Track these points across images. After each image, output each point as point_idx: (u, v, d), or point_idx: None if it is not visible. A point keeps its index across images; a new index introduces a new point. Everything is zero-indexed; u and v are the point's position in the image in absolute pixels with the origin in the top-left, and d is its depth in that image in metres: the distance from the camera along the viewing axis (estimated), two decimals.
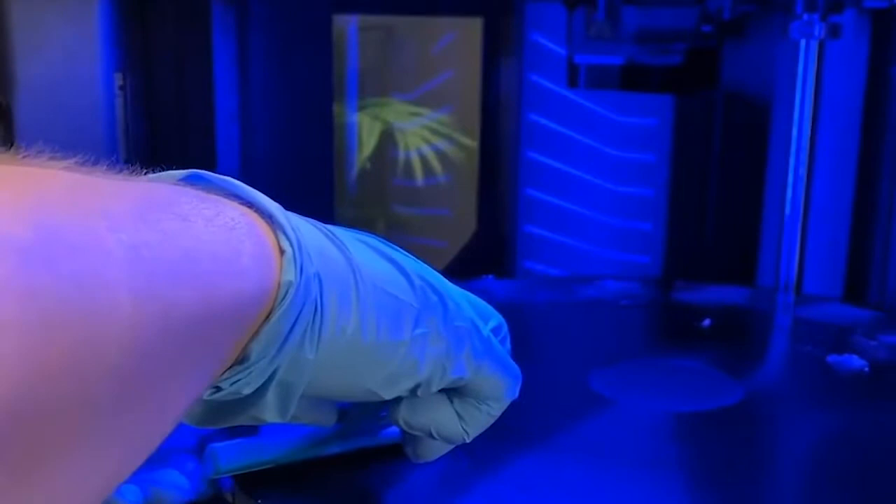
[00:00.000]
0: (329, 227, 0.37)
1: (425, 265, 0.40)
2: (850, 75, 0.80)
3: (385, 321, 0.36)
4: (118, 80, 0.66)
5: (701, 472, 0.49)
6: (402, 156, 1.05)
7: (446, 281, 0.41)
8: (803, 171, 0.80)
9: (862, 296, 0.81)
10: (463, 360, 0.39)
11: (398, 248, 0.40)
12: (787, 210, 0.81)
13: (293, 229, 0.32)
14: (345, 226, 0.39)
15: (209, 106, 0.71)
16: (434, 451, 0.43)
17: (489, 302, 0.44)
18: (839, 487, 0.48)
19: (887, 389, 0.60)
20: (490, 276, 0.79)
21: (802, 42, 0.77)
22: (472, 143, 0.98)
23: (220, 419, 0.35)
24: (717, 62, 0.86)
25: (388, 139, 1.05)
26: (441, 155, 1.03)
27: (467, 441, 0.42)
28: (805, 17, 0.75)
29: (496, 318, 0.43)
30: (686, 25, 0.79)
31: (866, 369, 0.61)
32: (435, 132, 1.03)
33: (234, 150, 0.73)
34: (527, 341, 0.71)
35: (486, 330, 0.42)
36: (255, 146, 0.74)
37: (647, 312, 0.76)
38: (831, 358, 0.62)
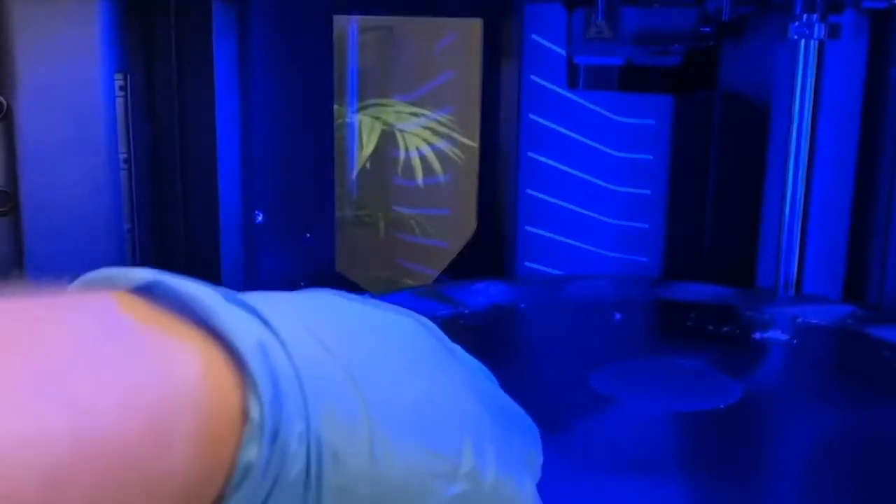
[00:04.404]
0: (347, 311, 0.30)
1: (465, 363, 0.32)
2: (849, 76, 0.80)
3: (408, 481, 0.28)
4: (119, 80, 0.66)
5: (701, 472, 0.49)
6: (402, 156, 1.05)
7: (485, 384, 0.32)
8: (802, 172, 0.80)
9: (861, 295, 0.81)
10: None
11: (434, 332, 0.32)
12: (787, 210, 0.81)
13: (272, 373, 0.25)
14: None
15: (210, 107, 0.71)
16: None
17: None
18: (839, 486, 0.48)
19: (886, 387, 0.60)
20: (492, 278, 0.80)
21: (801, 42, 0.77)
22: (473, 143, 0.98)
23: None
24: (716, 63, 0.86)
25: (388, 139, 1.05)
26: (441, 155, 1.03)
27: None
28: (804, 17, 0.76)
29: (534, 438, 0.35)
30: (685, 26, 0.79)
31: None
32: (435, 132, 1.04)
33: (234, 151, 0.73)
34: (527, 341, 0.71)
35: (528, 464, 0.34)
36: (255, 147, 0.74)
37: (647, 312, 0.76)
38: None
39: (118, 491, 0.22)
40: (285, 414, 0.24)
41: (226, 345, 0.25)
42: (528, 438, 0.34)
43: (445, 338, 0.32)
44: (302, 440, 0.25)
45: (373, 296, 0.60)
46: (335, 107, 0.82)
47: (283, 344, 0.25)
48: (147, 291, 0.26)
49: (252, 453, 0.24)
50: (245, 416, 0.24)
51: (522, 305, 0.74)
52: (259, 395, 0.24)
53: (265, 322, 0.26)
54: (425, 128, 1.04)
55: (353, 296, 0.32)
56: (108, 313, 0.24)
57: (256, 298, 0.27)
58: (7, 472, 0.20)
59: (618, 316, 0.72)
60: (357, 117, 1.03)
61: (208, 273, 0.73)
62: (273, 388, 0.24)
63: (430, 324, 0.32)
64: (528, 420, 0.34)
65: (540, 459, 0.34)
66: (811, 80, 0.78)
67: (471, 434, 0.30)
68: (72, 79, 0.64)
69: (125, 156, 0.68)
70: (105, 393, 0.22)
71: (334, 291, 0.32)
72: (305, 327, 0.27)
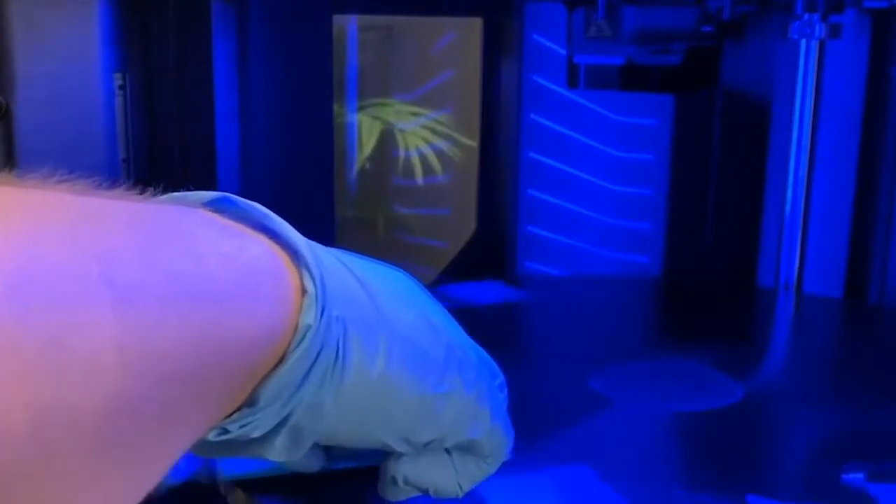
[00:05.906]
0: (355, 259, 0.35)
1: (447, 313, 0.38)
2: (851, 75, 0.80)
3: (410, 374, 0.34)
4: (118, 79, 0.66)
5: (701, 472, 0.49)
6: (402, 156, 1.05)
7: (463, 332, 0.39)
8: (803, 171, 0.80)
9: (862, 295, 0.81)
10: (481, 420, 0.38)
11: (423, 289, 0.38)
12: (788, 210, 0.81)
13: (318, 268, 0.30)
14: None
15: (209, 106, 0.71)
16: (409, 494, 0.41)
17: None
18: (842, 486, 0.48)
19: (886, 384, 0.60)
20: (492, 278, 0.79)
21: (803, 42, 0.77)
22: (472, 143, 0.98)
23: (223, 452, 0.34)
24: (717, 62, 0.86)
25: (388, 139, 1.05)
26: (441, 155, 1.03)
27: (460, 496, 0.40)
28: (805, 16, 0.75)
29: (500, 375, 0.42)
30: (686, 25, 0.79)
31: None
32: (435, 132, 1.03)
33: (233, 150, 0.73)
34: (527, 341, 0.71)
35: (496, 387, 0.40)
36: (254, 146, 0.74)
37: (647, 312, 0.76)
38: None
39: (225, 332, 0.27)
40: (328, 295, 0.30)
41: (279, 242, 0.30)
42: (495, 373, 0.40)
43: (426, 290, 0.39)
44: (339, 321, 0.31)
45: None
46: (335, 106, 0.82)
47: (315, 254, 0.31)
48: (213, 209, 0.31)
49: (310, 318, 0.29)
50: (302, 290, 0.30)
51: (521, 305, 0.73)
52: (312, 276, 0.30)
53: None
54: (425, 127, 1.04)
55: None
56: (195, 213, 0.30)
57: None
58: (146, 305, 0.24)
59: (620, 318, 0.72)
60: (357, 116, 1.02)
61: None
62: (320, 274, 0.30)
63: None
64: (492, 361, 0.40)
65: (505, 394, 0.41)
66: (812, 80, 0.78)
67: (455, 354, 0.37)
68: (71, 78, 0.64)
69: (124, 155, 0.68)
70: (209, 256, 0.27)
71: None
72: (327, 251, 0.33)
